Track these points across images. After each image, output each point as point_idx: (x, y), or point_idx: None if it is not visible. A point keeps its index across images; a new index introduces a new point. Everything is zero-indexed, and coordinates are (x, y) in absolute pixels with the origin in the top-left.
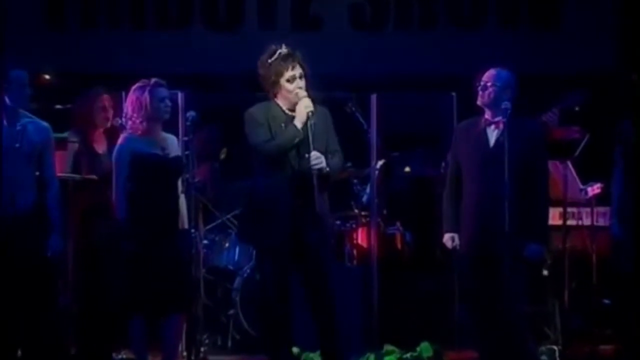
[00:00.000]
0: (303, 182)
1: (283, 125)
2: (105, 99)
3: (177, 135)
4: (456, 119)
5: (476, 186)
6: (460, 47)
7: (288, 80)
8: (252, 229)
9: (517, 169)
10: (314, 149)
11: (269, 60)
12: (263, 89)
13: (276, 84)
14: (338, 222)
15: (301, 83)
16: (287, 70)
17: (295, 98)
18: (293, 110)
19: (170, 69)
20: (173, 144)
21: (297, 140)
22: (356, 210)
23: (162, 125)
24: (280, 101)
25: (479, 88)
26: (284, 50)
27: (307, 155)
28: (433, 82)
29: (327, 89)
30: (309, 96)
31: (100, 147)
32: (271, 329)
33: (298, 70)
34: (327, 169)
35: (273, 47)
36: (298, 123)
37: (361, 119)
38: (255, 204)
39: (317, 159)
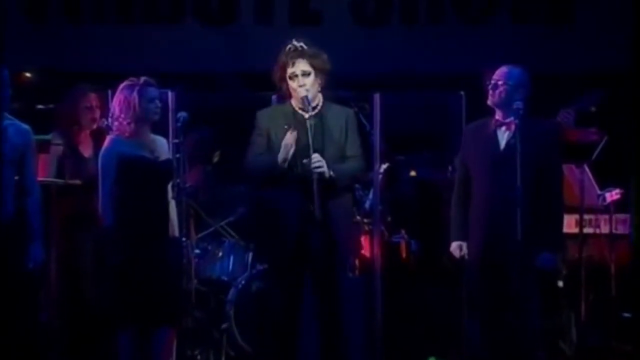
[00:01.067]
0: (307, 187)
1: (286, 126)
2: (92, 98)
3: (167, 137)
4: (465, 120)
5: (486, 191)
6: (470, 43)
7: (290, 77)
8: (257, 236)
9: (530, 173)
10: (317, 151)
11: (279, 56)
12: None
13: (283, 80)
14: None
15: (304, 81)
16: (289, 66)
17: (297, 95)
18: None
19: (160, 66)
20: (163, 147)
21: (277, 172)
22: (358, 217)
23: (151, 127)
24: (293, 100)
25: (490, 87)
26: (292, 44)
27: (305, 161)
28: (440, 80)
29: (328, 87)
30: (323, 96)
31: (86, 150)
32: (276, 345)
33: (301, 67)
34: (331, 173)
35: (289, 41)
36: (281, 158)
37: (364, 120)
38: (258, 211)
39: (318, 162)
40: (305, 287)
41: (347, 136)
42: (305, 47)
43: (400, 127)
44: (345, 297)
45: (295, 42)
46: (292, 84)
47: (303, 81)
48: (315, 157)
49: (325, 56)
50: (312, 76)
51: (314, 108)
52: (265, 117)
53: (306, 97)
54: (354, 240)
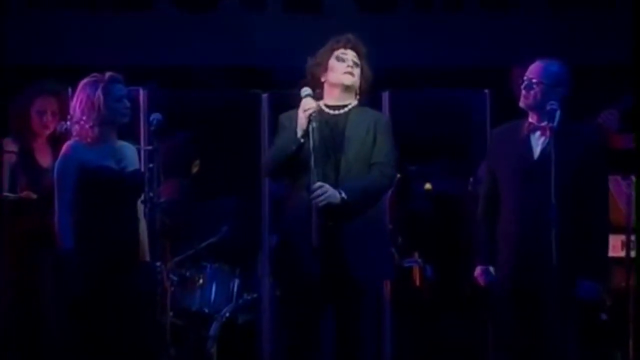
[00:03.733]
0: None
1: (314, 123)
2: (46, 100)
3: (137, 143)
4: (489, 123)
5: (517, 207)
6: (495, 32)
7: (337, 58)
8: (273, 261)
9: (569, 186)
10: (329, 152)
11: (329, 43)
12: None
13: (321, 65)
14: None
15: (353, 69)
16: (339, 48)
17: (341, 80)
18: (338, 107)
19: (130, 59)
20: (131, 155)
21: (293, 147)
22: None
23: (118, 131)
24: (325, 96)
25: (523, 86)
26: (350, 35)
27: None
28: (460, 76)
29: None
30: (360, 97)
31: (44, 159)
32: None
33: (352, 57)
34: (342, 195)
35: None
36: (299, 130)
37: None
38: (279, 229)
39: (319, 189)
40: (325, 321)
41: (375, 140)
42: (362, 44)
43: (413, 131)
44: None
45: (348, 35)
46: (337, 65)
47: (352, 66)
48: (316, 185)
49: (371, 75)
50: (359, 70)
51: (342, 107)
52: (287, 117)
53: (309, 94)
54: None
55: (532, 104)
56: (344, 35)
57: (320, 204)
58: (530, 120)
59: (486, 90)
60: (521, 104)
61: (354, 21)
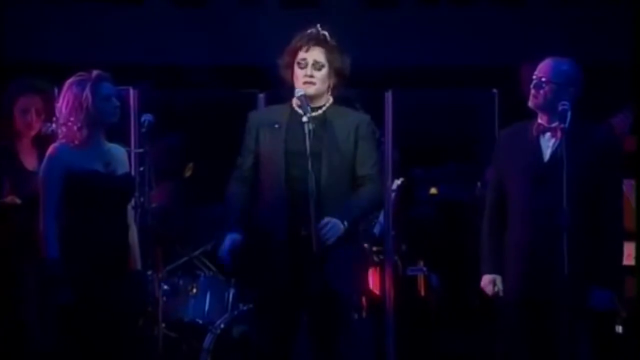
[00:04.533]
0: (300, 206)
1: (276, 125)
2: (31, 99)
3: (127, 146)
4: (498, 124)
5: (526, 213)
6: (504, 28)
7: (298, 64)
8: (246, 267)
9: (582, 191)
10: (315, 159)
11: (293, 40)
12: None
13: (289, 67)
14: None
15: (314, 73)
16: (301, 50)
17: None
18: (311, 109)
19: (119, 57)
20: (121, 158)
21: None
22: (365, 245)
23: (106, 133)
24: (294, 100)
25: (532, 85)
26: (314, 29)
27: (303, 233)
28: (467, 75)
29: (339, 92)
30: (334, 100)
31: (29, 161)
32: None
33: (315, 56)
34: (345, 224)
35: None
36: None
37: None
38: (249, 234)
39: (326, 225)
40: (299, 330)
41: (357, 148)
42: (327, 35)
43: (418, 133)
44: (349, 343)
45: (318, 28)
46: (298, 72)
47: (311, 72)
48: (324, 224)
49: (348, 60)
50: (324, 71)
51: (315, 109)
52: (256, 116)
53: (303, 95)
54: (361, 274)
55: (541, 104)
56: (307, 33)
57: (328, 242)
58: (539, 121)
59: (495, 90)
60: (530, 104)
61: (355, 17)
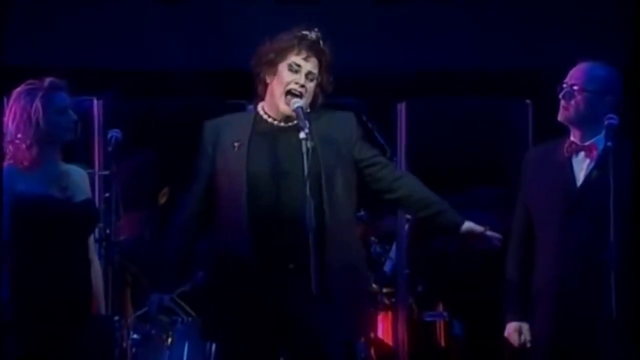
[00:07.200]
0: (291, 237)
1: (236, 143)
2: None
3: (90, 167)
4: (532, 140)
5: (557, 249)
6: (538, 26)
7: (290, 67)
8: (213, 311)
9: (623, 220)
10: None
11: (282, 35)
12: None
13: (270, 65)
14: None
15: (307, 84)
16: (294, 52)
17: (284, 99)
18: (285, 120)
19: (79, 61)
20: (80, 181)
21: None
22: (375, 286)
23: (63, 152)
24: (266, 104)
25: (561, 95)
26: (313, 32)
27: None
28: (494, 82)
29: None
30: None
31: None
32: None
33: (310, 67)
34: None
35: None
36: None
37: (381, 140)
38: (215, 273)
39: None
40: None
41: (357, 148)
42: (323, 43)
43: (437, 151)
44: None
45: (318, 34)
46: (286, 75)
47: (304, 82)
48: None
49: (331, 85)
50: (314, 83)
51: (288, 119)
52: (212, 128)
53: (300, 107)
54: (367, 319)
55: (573, 117)
56: (308, 34)
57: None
58: (571, 138)
59: (528, 101)
60: (559, 117)
61: (358, 13)
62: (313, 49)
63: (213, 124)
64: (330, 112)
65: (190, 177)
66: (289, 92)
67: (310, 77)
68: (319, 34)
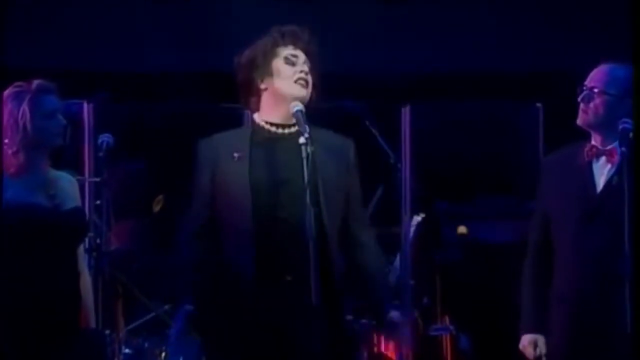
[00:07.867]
0: (291, 251)
1: (236, 154)
2: None
3: (80, 173)
4: (543, 146)
5: (575, 259)
6: (551, 25)
7: (286, 59)
8: (208, 325)
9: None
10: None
11: (263, 38)
12: (238, 96)
13: (265, 67)
14: (349, 318)
15: (307, 78)
16: (281, 45)
17: (291, 91)
18: (285, 125)
19: (69, 63)
20: (70, 188)
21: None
22: None
23: (52, 158)
24: (264, 112)
25: (580, 98)
26: (288, 27)
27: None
28: (504, 85)
29: (329, 95)
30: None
31: None
32: None
33: (303, 52)
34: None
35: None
36: None
37: (384, 146)
38: (213, 286)
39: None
40: None
41: (348, 187)
42: (308, 36)
43: (443, 158)
44: None
45: (307, 32)
46: (285, 69)
47: (304, 74)
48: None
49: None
50: (310, 79)
51: (288, 126)
52: (208, 144)
53: (300, 111)
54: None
55: (592, 121)
56: (288, 28)
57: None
58: (592, 142)
59: (539, 105)
60: (579, 121)
61: (357, 11)
62: (302, 40)
63: (209, 141)
64: (330, 132)
65: (189, 195)
66: (297, 81)
67: (307, 65)
68: (299, 28)
